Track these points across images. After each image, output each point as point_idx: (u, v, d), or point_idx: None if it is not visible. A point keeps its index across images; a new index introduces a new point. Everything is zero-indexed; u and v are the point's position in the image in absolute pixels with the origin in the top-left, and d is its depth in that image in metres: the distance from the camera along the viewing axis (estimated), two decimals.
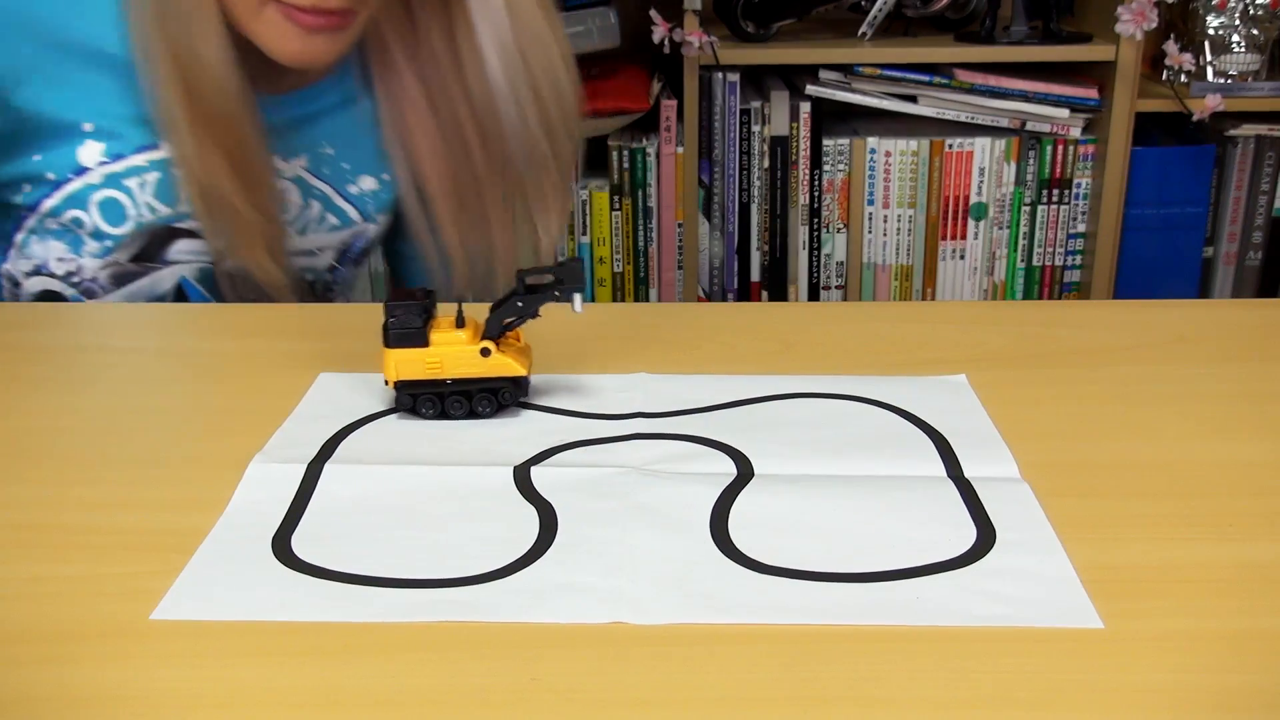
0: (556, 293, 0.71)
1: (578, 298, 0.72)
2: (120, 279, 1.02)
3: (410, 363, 0.71)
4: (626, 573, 0.56)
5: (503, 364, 0.71)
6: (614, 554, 0.57)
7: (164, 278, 1.04)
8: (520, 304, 0.71)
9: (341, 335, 0.87)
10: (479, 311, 0.72)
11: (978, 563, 0.56)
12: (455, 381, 0.71)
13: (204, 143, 0.95)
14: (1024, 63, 1.69)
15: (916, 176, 1.73)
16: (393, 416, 0.73)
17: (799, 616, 0.53)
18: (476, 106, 1.02)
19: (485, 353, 0.71)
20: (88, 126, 0.97)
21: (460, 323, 0.72)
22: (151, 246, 1.01)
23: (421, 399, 0.72)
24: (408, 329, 0.71)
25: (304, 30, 0.93)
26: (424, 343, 0.71)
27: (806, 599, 0.54)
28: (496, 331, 0.71)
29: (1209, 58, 1.73)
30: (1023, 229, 1.76)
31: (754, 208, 1.73)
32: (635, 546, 0.58)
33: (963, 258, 1.78)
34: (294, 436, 0.70)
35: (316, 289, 1.11)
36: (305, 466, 0.66)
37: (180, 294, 1.05)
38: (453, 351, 0.71)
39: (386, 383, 0.72)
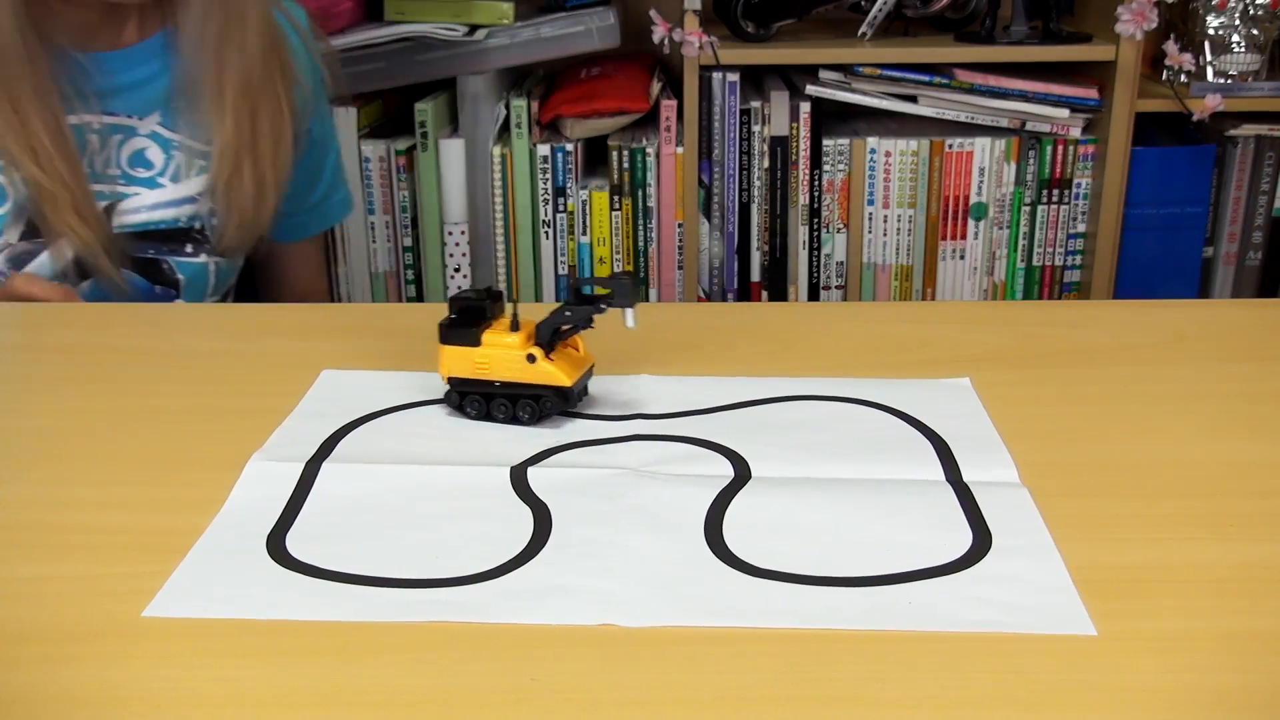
0: (603, 305, 0.71)
1: (629, 312, 0.71)
2: (18, 260, 1.06)
3: (461, 360, 0.72)
4: (619, 575, 0.56)
5: (547, 372, 0.71)
6: (607, 555, 0.57)
7: (61, 248, 1.06)
8: (569, 313, 0.71)
9: (342, 335, 0.87)
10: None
11: (972, 568, 0.56)
12: (503, 384, 0.71)
13: None
14: (1024, 63, 1.68)
15: (916, 176, 1.73)
16: (394, 415, 0.73)
17: (791, 620, 0.52)
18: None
19: (531, 359, 0.70)
20: None
21: (515, 326, 0.71)
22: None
23: (469, 398, 0.72)
24: (462, 327, 0.71)
25: None
26: (475, 342, 0.71)
27: (799, 603, 0.54)
28: (547, 339, 0.71)
29: (1209, 58, 1.73)
30: (1023, 229, 1.76)
31: (754, 208, 1.73)
32: (628, 548, 0.58)
33: (963, 258, 1.77)
34: (294, 434, 0.70)
35: (194, 235, 1.13)
36: (303, 465, 0.66)
37: (82, 267, 1.08)
38: (501, 354, 0.71)
39: (443, 378, 0.73)
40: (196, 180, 1.12)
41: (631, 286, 0.70)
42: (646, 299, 1.76)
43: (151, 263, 1.11)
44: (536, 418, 0.71)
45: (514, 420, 0.72)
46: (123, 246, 1.09)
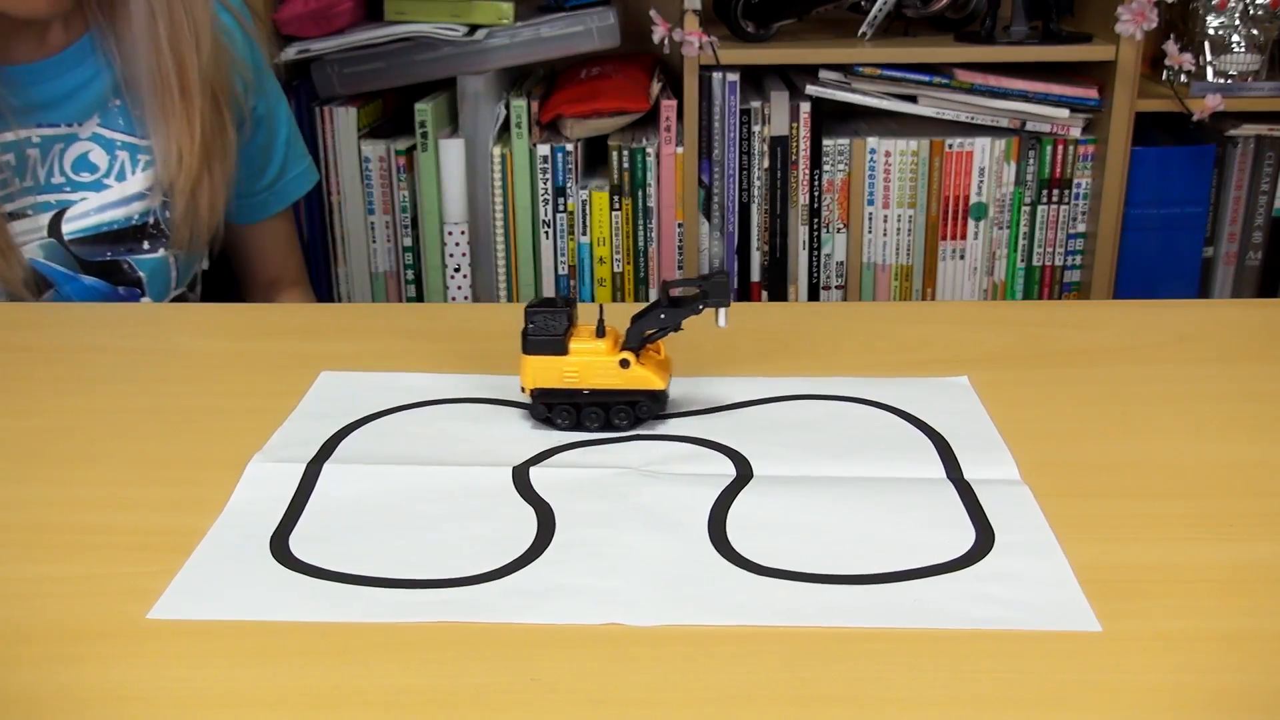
0: (700, 306, 0.69)
1: (723, 312, 0.70)
2: None
3: (547, 371, 0.69)
4: (623, 574, 0.56)
5: (642, 377, 0.69)
6: (611, 555, 0.57)
7: (12, 266, 1.05)
8: (663, 315, 0.69)
9: (342, 336, 0.87)
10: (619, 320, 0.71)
11: (975, 565, 0.56)
12: (592, 392, 0.70)
13: None
14: (1024, 63, 1.68)
15: (916, 176, 1.73)
16: (394, 415, 0.73)
17: (795, 619, 0.52)
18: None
19: (625, 364, 0.69)
20: None
21: (600, 332, 0.70)
22: None
23: (557, 409, 0.70)
24: (547, 336, 0.69)
25: None
26: (563, 351, 0.69)
27: (803, 601, 0.54)
28: (637, 343, 0.70)
29: (1209, 58, 1.73)
30: (1023, 229, 1.76)
31: (754, 208, 1.73)
32: (632, 548, 0.58)
33: (963, 258, 1.78)
34: (294, 435, 0.70)
35: (149, 231, 1.11)
36: (304, 466, 0.66)
37: (41, 278, 1.07)
38: (592, 362, 0.69)
39: (523, 389, 0.71)
40: (143, 176, 1.10)
41: (726, 285, 0.69)
42: (646, 299, 1.76)
43: (111, 265, 1.10)
44: (633, 423, 0.70)
45: (608, 427, 0.70)
46: (78, 253, 1.08)
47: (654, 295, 1.76)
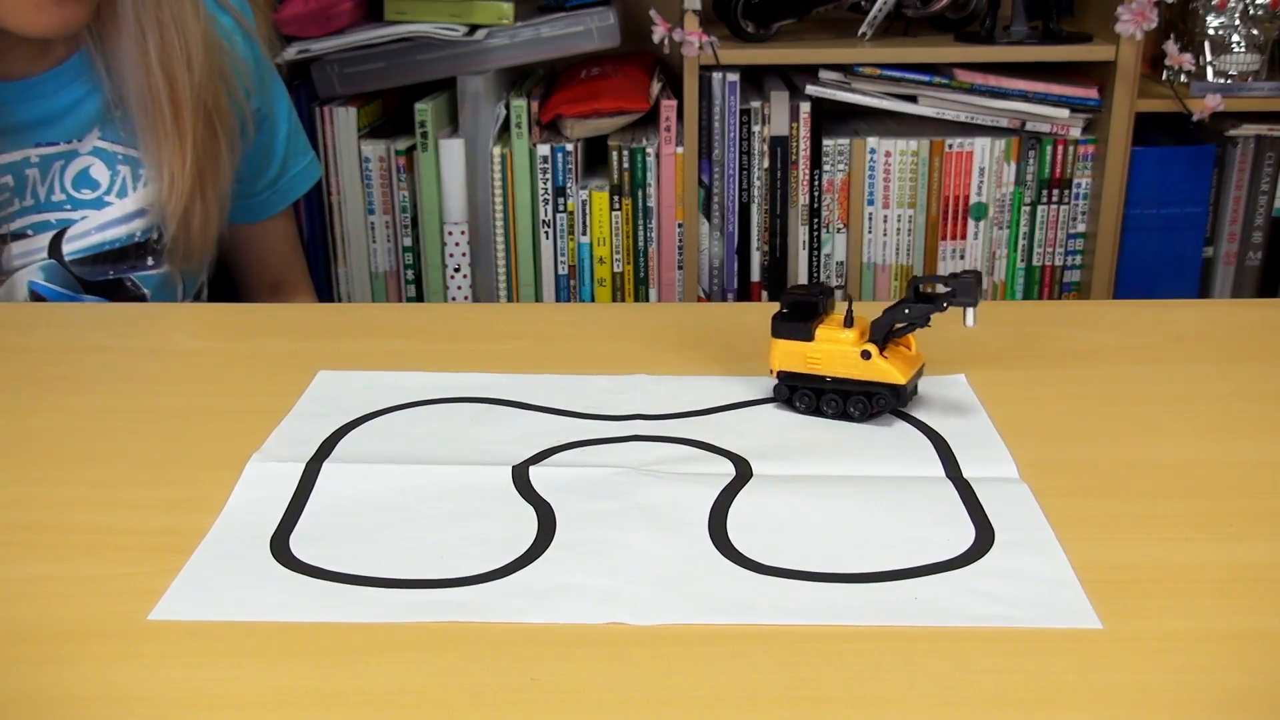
0: (946, 304, 0.70)
1: (970, 311, 0.70)
2: None
3: (793, 355, 0.71)
4: (624, 573, 0.56)
5: (883, 369, 0.70)
6: (612, 554, 0.57)
7: (15, 286, 1.04)
8: (908, 311, 0.70)
9: (342, 335, 0.87)
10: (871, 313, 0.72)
11: (976, 563, 0.56)
12: (834, 380, 0.71)
13: None
14: (1024, 63, 1.68)
15: (916, 176, 1.73)
16: (393, 414, 0.73)
17: (797, 617, 0.52)
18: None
19: (866, 355, 0.70)
20: None
21: (849, 322, 0.71)
22: None
23: (799, 392, 0.72)
24: (795, 321, 0.71)
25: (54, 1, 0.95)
26: (809, 337, 0.71)
27: (804, 599, 0.54)
28: (882, 336, 0.70)
29: (1209, 58, 1.73)
30: (1022, 229, 1.76)
31: (754, 208, 1.73)
32: (633, 547, 0.58)
33: (963, 258, 1.77)
34: (292, 435, 0.70)
35: (151, 247, 1.09)
36: (303, 465, 0.66)
37: (41, 301, 1.04)
38: (835, 350, 0.71)
39: (770, 371, 0.73)
40: (144, 191, 1.07)
41: (976, 285, 0.69)
42: (646, 299, 1.76)
43: (114, 283, 1.07)
44: (867, 415, 0.71)
45: (844, 416, 0.71)
46: (79, 273, 1.06)
47: (654, 295, 1.76)
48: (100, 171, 1.07)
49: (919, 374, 0.73)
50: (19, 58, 1.04)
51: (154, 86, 1.02)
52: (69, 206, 1.06)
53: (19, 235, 1.05)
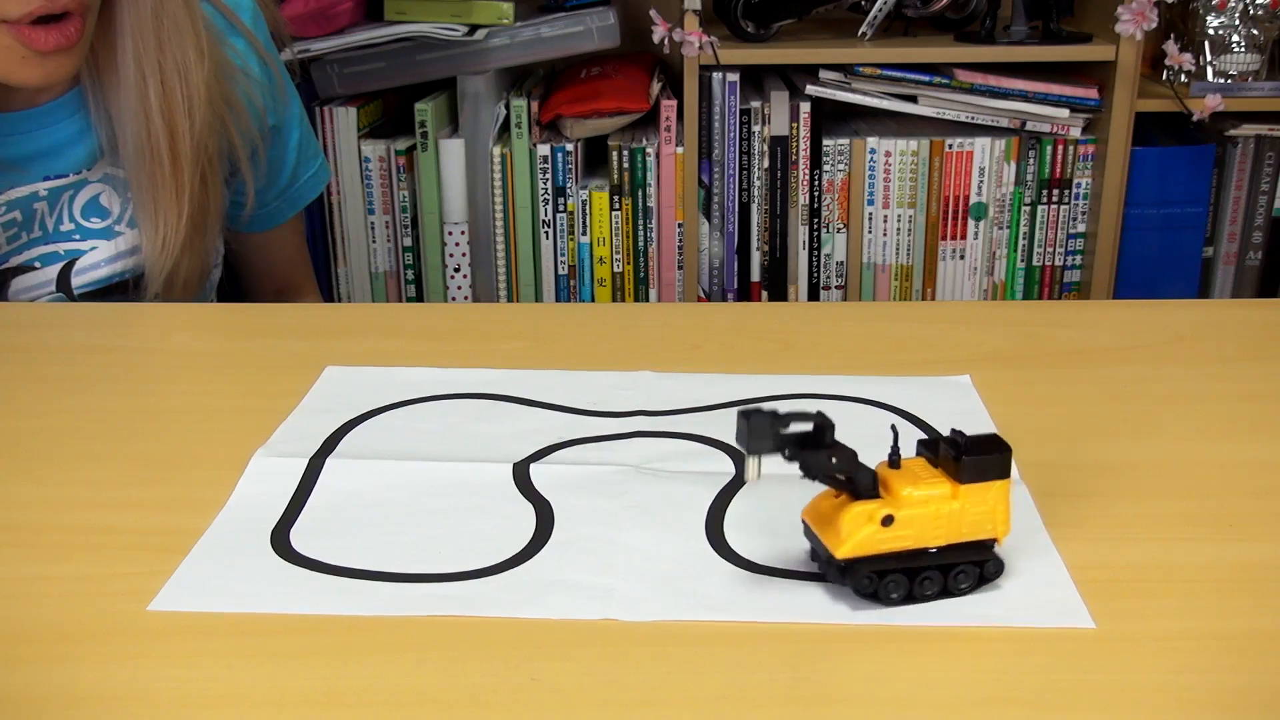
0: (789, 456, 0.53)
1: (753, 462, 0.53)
2: None
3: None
4: (620, 571, 0.56)
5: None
6: (609, 552, 0.58)
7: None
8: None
9: (342, 335, 0.87)
10: None
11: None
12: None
13: None
14: (1024, 63, 1.68)
15: (916, 176, 1.73)
16: (398, 410, 0.73)
17: (792, 616, 0.53)
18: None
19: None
20: None
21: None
22: None
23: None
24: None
25: (41, 52, 0.92)
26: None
27: (799, 599, 0.54)
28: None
29: (1209, 58, 1.73)
30: (1023, 229, 1.76)
31: (754, 208, 1.73)
32: (630, 545, 0.58)
33: (963, 258, 1.77)
34: (298, 430, 0.70)
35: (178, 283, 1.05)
36: (307, 461, 0.66)
37: None
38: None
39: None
40: (135, 235, 1.03)
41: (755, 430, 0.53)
42: (646, 299, 1.76)
43: None
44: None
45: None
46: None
47: (654, 295, 1.76)
48: (111, 199, 1.03)
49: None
50: (19, 90, 0.99)
51: (153, 134, 0.98)
52: (78, 236, 1.03)
53: (26, 268, 1.02)
